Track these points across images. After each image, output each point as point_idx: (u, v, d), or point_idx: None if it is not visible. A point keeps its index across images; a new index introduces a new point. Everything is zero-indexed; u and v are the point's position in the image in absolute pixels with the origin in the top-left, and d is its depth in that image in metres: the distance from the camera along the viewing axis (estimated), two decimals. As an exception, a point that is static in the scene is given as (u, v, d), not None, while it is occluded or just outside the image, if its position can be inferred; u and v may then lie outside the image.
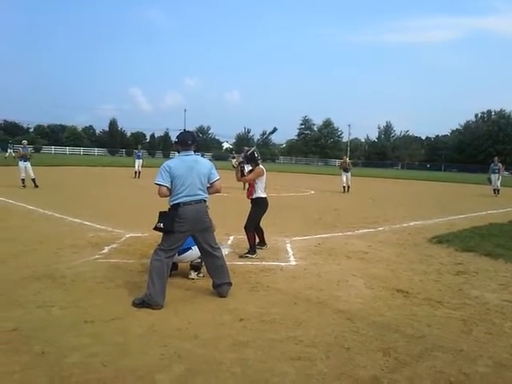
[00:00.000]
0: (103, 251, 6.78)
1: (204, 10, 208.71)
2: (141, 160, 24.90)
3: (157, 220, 4.79)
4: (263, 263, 6.47)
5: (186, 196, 4.77)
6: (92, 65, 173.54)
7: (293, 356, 3.54)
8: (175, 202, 4.79)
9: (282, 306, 4.71)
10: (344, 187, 20.96)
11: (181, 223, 4.74)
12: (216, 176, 5.08)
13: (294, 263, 6.63)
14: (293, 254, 7.15)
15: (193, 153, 5.02)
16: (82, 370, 3.21)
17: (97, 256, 6.48)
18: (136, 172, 24.45)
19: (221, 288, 5.01)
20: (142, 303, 4.54)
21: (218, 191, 5.17)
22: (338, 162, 23.53)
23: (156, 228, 4.80)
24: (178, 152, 4.99)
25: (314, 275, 5.99)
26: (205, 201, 4.97)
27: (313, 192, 20.44)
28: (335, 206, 14.87)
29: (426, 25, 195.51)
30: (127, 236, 7.98)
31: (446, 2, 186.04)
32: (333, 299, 5.02)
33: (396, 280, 5.85)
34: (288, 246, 7.74)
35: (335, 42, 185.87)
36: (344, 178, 20.99)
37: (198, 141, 5.36)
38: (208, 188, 5.01)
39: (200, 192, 4.88)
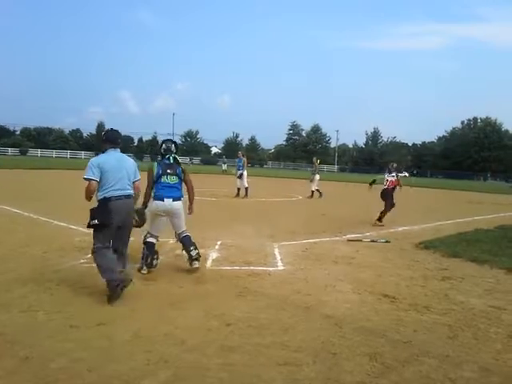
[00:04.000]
0: (89, 255, 6.69)
1: (195, 13, 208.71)
2: None
3: (89, 218, 4.86)
4: (251, 268, 6.46)
5: (116, 190, 4.93)
6: (80, 67, 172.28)
7: (280, 361, 3.54)
8: (105, 195, 4.91)
9: (269, 311, 4.70)
10: (312, 192, 20.18)
11: (113, 217, 4.86)
12: (138, 176, 5.35)
13: (281, 268, 6.63)
14: (280, 259, 7.15)
15: (119, 150, 5.22)
16: (66, 376, 3.18)
17: (83, 260, 6.42)
18: None
19: (112, 292, 4.83)
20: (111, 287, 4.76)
21: (139, 190, 5.43)
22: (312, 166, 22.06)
23: (90, 225, 4.88)
24: (103, 151, 5.15)
25: (302, 280, 6.00)
26: (133, 196, 5.19)
27: (300, 197, 20.48)
28: (323, 211, 14.91)
29: (414, 31, 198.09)
30: (114, 240, 7.91)
31: (434, 9, 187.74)
32: (320, 304, 5.03)
33: (383, 285, 5.88)
34: (276, 251, 7.73)
35: (324, 48, 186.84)
36: (310, 182, 20.40)
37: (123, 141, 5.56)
38: None
39: (129, 187, 5.11)
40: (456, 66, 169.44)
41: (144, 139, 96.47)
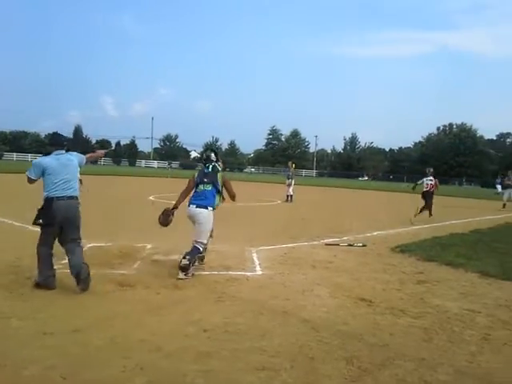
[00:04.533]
0: (64, 261, 6.54)
1: (175, 19, 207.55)
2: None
3: (35, 217, 5.28)
4: (229, 273, 6.45)
5: (58, 191, 5.27)
6: (59, 71, 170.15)
7: (257, 366, 3.53)
8: (48, 195, 5.27)
9: (247, 316, 4.69)
10: (288, 196, 20.70)
11: (55, 217, 5.23)
12: (83, 158, 5.82)
13: (260, 273, 6.63)
14: (259, 264, 7.14)
15: (64, 152, 5.55)
16: (40, 383, 3.12)
17: (57, 266, 6.27)
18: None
19: (79, 277, 5.22)
20: (37, 285, 5.22)
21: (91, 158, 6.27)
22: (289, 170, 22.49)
23: (35, 223, 5.33)
24: (47, 153, 5.50)
25: (280, 285, 6.01)
26: (77, 198, 5.47)
27: (279, 201, 20.55)
28: (302, 215, 14.98)
29: (391, 39, 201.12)
30: (89, 246, 7.77)
31: (411, 16, 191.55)
32: (298, 308, 5.04)
33: (360, 289, 5.93)
34: (254, 256, 7.72)
35: (303, 54, 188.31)
36: (287, 187, 20.85)
37: (68, 141, 6.03)
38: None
39: (72, 188, 5.40)
40: (432, 73, 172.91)
41: (122, 143, 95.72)
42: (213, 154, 6.74)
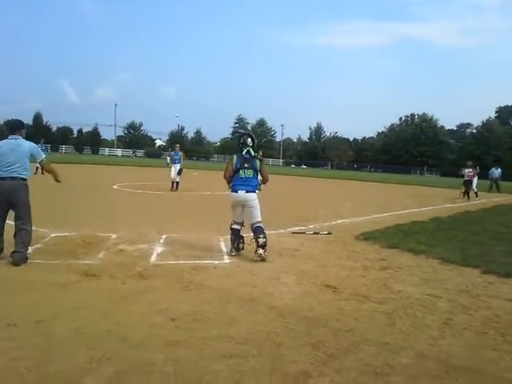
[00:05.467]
0: (27, 252, 6.43)
1: (139, 2, 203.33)
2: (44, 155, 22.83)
3: None
4: (196, 261, 6.43)
5: (4, 172, 5.82)
6: (18, 55, 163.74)
7: (225, 354, 3.55)
8: None
9: (214, 305, 4.70)
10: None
11: None
12: (40, 155, 6.30)
13: (227, 261, 6.64)
14: (226, 252, 7.14)
15: (20, 137, 6.11)
16: (4, 376, 3.05)
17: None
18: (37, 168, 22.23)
19: (14, 255, 5.80)
20: None
21: (49, 167, 6.48)
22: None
23: None
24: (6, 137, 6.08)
25: (247, 273, 6.04)
26: (22, 179, 5.99)
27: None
28: (269, 204, 15.02)
29: (354, 29, 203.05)
30: (52, 235, 7.63)
31: (373, 7, 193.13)
32: (265, 296, 5.08)
33: (325, 276, 6.02)
34: (222, 244, 7.73)
35: (269, 43, 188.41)
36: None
37: (25, 127, 6.48)
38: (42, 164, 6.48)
39: (17, 170, 5.90)
40: (395, 64, 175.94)
41: (84, 130, 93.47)
42: (249, 139, 7.05)
